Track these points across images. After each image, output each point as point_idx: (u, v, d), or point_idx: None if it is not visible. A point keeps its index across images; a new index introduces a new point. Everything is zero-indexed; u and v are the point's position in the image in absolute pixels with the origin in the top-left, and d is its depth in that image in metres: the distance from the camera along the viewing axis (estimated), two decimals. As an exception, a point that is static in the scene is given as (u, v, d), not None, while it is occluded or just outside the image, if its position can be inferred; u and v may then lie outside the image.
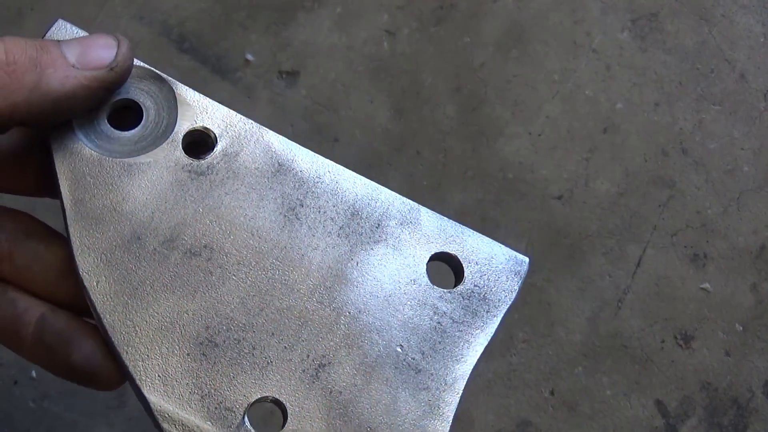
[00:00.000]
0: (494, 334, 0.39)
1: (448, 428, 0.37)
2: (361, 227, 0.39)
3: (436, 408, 0.37)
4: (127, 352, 0.35)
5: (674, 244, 0.76)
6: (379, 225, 0.39)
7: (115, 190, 0.37)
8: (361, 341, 0.37)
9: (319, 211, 0.39)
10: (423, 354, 0.37)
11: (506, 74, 0.83)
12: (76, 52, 0.35)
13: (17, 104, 0.33)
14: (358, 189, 0.40)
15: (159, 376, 0.35)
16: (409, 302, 0.38)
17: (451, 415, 0.37)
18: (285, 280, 0.37)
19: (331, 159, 0.40)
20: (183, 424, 0.35)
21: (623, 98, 0.80)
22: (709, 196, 0.76)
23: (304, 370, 0.36)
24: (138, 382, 0.35)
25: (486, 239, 0.41)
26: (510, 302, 0.40)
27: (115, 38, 0.37)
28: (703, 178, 0.77)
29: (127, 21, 0.92)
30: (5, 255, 0.38)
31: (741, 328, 0.73)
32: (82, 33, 0.39)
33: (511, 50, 0.84)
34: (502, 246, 0.40)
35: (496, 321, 0.39)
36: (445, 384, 0.37)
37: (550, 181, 0.79)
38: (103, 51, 0.35)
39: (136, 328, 0.35)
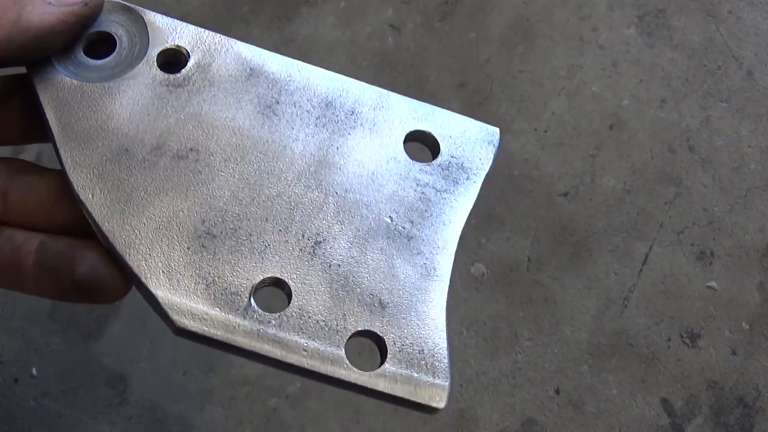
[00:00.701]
0: (475, 200, 0.42)
1: (447, 287, 0.39)
2: (336, 116, 0.41)
3: (432, 270, 0.39)
4: (129, 254, 0.36)
5: (681, 241, 0.75)
6: (353, 112, 0.41)
7: (99, 111, 0.39)
8: (352, 216, 0.39)
9: (295, 106, 0.41)
10: (412, 222, 0.40)
11: (512, 70, 0.83)
12: None
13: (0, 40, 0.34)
14: (329, 83, 0.42)
15: (163, 271, 0.36)
16: (392, 177, 0.41)
17: (447, 275, 0.39)
18: (271, 170, 0.40)
19: None
20: (192, 313, 0.36)
21: (630, 95, 0.80)
22: (716, 193, 0.76)
23: (301, 249, 0.38)
24: (144, 280, 0.36)
25: (457, 115, 0.43)
26: (487, 169, 0.42)
27: None
28: (710, 175, 0.77)
29: (128, 15, 0.92)
30: None
31: (747, 327, 0.72)
32: None
33: (517, 46, 0.83)
34: (473, 120, 0.43)
35: (476, 186, 0.42)
36: (438, 247, 0.39)
37: (556, 177, 0.78)
38: None
39: (135, 231, 0.37)
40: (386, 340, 0.37)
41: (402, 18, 0.86)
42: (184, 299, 0.36)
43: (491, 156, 0.42)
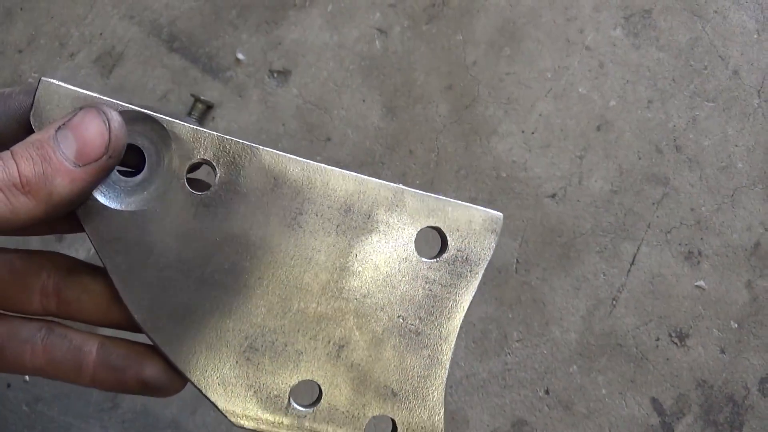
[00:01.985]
0: (477, 288, 0.45)
1: (447, 372, 0.45)
2: (355, 221, 0.44)
3: (436, 359, 0.45)
4: (189, 372, 0.43)
5: (669, 241, 0.75)
6: (369, 215, 0.44)
7: (141, 240, 0.42)
8: (369, 321, 0.44)
9: (317, 215, 0.44)
10: (420, 319, 0.44)
11: (499, 72, 0.83)
12: (74, 148, 0.37)
13: (36, 217, 0.37)
14: (348, 185, 0.44)
15: (219, 383, 0.43)
16: (403, 278, 0.44)
17: (447, 361, 0.45)
18: (299, 284, 0.44)
19: (323, 158, 0.45)
20: (246, 415, 0.44)
21: (617, 96, 0.80)
22: (703, 193, 0.76)
23: (328, 354, 0.44)
24: (204, 392, 0.43)
25: (464, 205, 0.45)
26: (488, 258, 0.45)
27: (103, 118, 0.38)
28: (697, 175, 0.77)
29: (117, 20, 0.92)
30: (51, 292, 0.43)
31: (736, 326, 0.73)
32: (66, 87, 0.41)
33: (503, 48, 0.83)
34: (479, 208, 0.45)
35: (478, 277, 0.45)
36: (441, 338, 0.44)
37: (544, 179, 0.78)
38: (97, 139, 0.38)
39: (191, 350, 0.43)
40: (397, 422, 0.44)
41: (389, 21, 0.86)
42: (238, 406, 0.44)
43: (493, 244, 0.45)
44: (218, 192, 0.43)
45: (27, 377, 0.81)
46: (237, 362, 0.44)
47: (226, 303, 0.43)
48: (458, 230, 0.45)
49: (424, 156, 0.81)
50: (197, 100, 0.84)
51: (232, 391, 0.44)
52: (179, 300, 0.43)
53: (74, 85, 0.41)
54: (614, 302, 0.74)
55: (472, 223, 0.45)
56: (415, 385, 0.44)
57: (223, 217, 0.43)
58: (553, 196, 0.78)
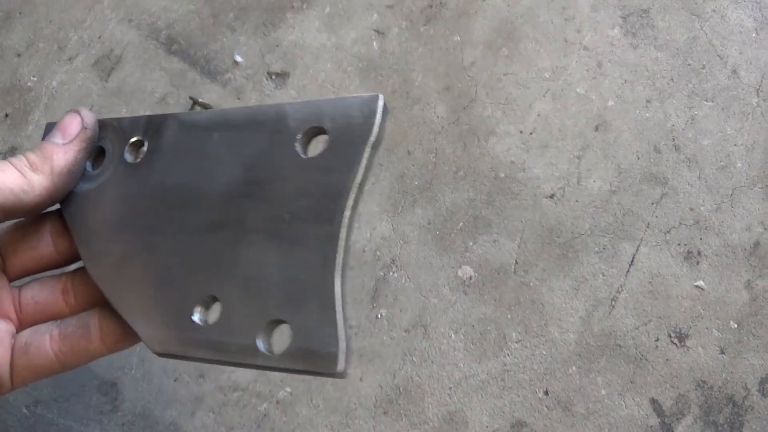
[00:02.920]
0: (365, 172, 0.43)
1: (339, 267, 0.42)
2: (246, 140, 0.47)
3: (324, 252, 0.42)
4: (123, 311, 0.47)
5: (668, 241, 0.75)
6: (257, 131, 0.47)
7: (97, 209, 0.50)
8: (261, 226, 0.45)
9: (215, 146, 0.48)
10: (306, 212, 0.43)
11: (497, 73, 0.83)
12: (59, 134, 0.51)
13: (47, 187, 0.49)
14: (239, 114, 0.48)
15: (141, 314, 0.47)
16: (291, 179, 0.44)
17: (338, 258, 0.42)
18: (200, 208, 0.47)
19: None
20: (161, 340, 0.46)
21: (615, 95, 0.80)
22: (702, 193, 0.76)
23: (224, 267, 0.45)
24: (132, 325, 0.47)
25: (340, 98, 0.45)
26: (370, 137, 0.43)
27: (75, 112, 0.52)
28: (696, 174, 0.77)
29: (115, 24, 0.92)
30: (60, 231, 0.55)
31: (736, 326, 0.72)
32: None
33: (501, 48, 0.83)
34: (355, 96, 0.44)
35: (361, 157, 0.42)
36: (327, 230, 0.42)
37: (542, 179, 0.78)
38: (72, 121, 0.51)
39: (124, 291, 0.48)
40: (291, 325, 0.42)
41: (387, 22, 0.86)
42: (154, 331, 0.46)
43: (373, 122, 0.43)
44: (146, 158, 0.50)
45: (26, 380, 0.81)
46: (155, 292, 0.47)
47: (147, 243, 0.48)
48: (336, 122, 0.44)
49: (423, 157, 0.81)
50: (196, 102, 0.84)
51: (150, 319, 0.46)
52: (117, 250, 0.49)
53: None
54: (613, 303, 0.74)
55: (350, 110, 0.44)
56: (309, 285, 0.42)
57: (148, 175, 0.49)
58: (552, 196, 0.78)
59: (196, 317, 0.45)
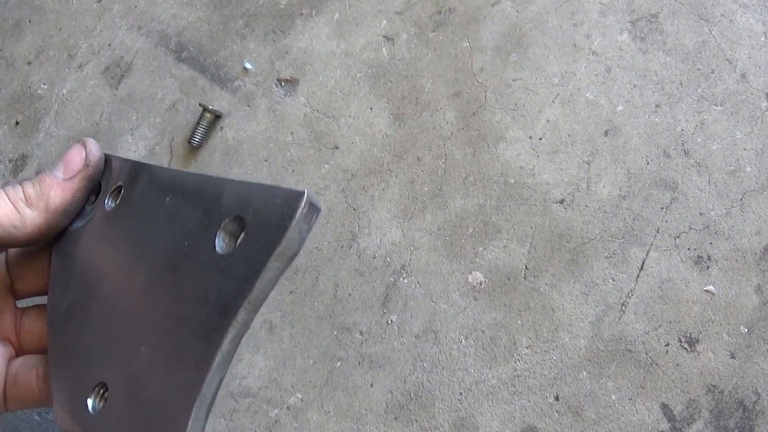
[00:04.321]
0: (266, 285, 0.36)
1: (201, 397, 0.36)
2: (186, 215, 0.42)
3: (189, 382, 0.36)
4: (51, 370, 0.45)
5: (677, 246, 0.75)
6: (195, 207, 0.42)
7: (68, 254, 0.48)
8: (161, 324, 0.40)
9: (163, 213, 0.44)
10: (195, 324, 0.38)
11: (506, 78, 0.83)
12: (61, 168, 0.48)
13: (40, 225, 0.47)
14: (191, 181, 0.44)
15: (58, 387, 0.43)
16: (201, 275, 0.39)
17: (200, 384, 0.36)
18: (126, 285, 0.44)
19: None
20: (64, 420, 0.42)
21: (624, 100, 0.80)
22: (712, 197, 0.76)
23: (123, 359, 0.41)
24: (53, 391, 0.44)
25: (272, 186, 0.38)
26: (278, 246, 0.36)
27: (82, 144, 0.49)
28: (705, 179, 0.77)
29: (125, 31, 0.92)
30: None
31: (746, 330, 0.72)
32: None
33: (510, 54, 0.84)
34: (284, 188, 0.37)
35: (262, 271, 0.36)
36: (204, 349, 0.37)
37: (552, 185, 0.78)
38: (77, 156, 0.49)
39: (57, 351, 0.45)
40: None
41: (396, 29, 0.86)
42: (59, 405, 0.43)
43: (285, 228, 0.36)
44: (116, 208, 0.47)
45: (39, 387, 0.81)
46: (70, 361, 0.44)
47: (83, 306, 0.45)
48: (257, 214, 0.37)
49: (432, 163, 0.81)
50: (205, 110, 0.85)
51: (59, 390, 0.43)
52: (65, 303, 0.46)
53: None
54: (623, 308, 0.74)
55: (271, 204, 0.37)
56: (174, 411, 0.37)
57: (109, 229, 0.47)
58: (562, 201, 0.78)
59: (89, 403, 0.41)
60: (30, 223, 0.46)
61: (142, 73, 0.90)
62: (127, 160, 0.49)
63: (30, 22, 0.95)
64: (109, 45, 0.92)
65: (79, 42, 0.93)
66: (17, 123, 0.89)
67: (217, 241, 0.39)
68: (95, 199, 0.50)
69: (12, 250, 0.53)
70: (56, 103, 0.89)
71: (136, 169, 0.48)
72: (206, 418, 0.37)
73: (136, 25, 0.92)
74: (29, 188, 0.47)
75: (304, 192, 0.35)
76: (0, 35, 0.95)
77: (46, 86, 0.91)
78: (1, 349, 0.51)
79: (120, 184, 0.48)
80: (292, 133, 0.83)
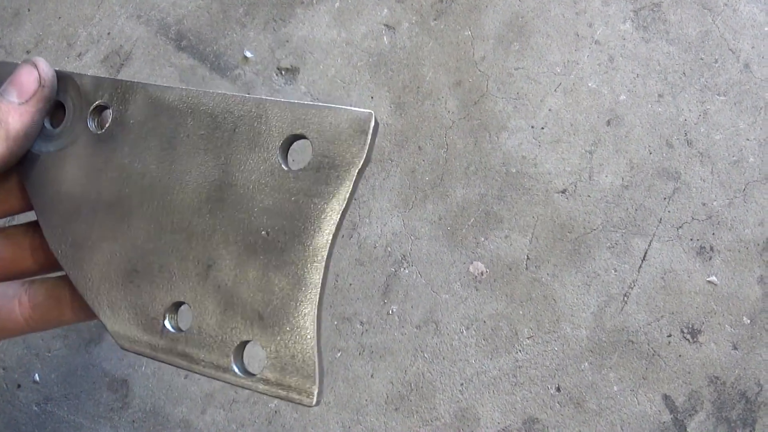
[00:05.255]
0: (350, 198, 0.40)
1: (317, 295, 0.40)
2: (222, 136, 0.43)
3: (304, 280, 0.40)
4: (87, 295, 0.45)
5: (680, 237, 0.75)
6: (235, 129, 0.43)
7: (57, 178, 0.47)
8: (235, 238, 0.42)
9: (188, 136, 0.44)
10: (285, 234, 0.41)
11: (508, 67, 0.82)
12: (14, 92, 0.46)
13: (2, 153, 0.45)
14: (215, 102, 0.44)
15: (108, 306, 0.45)
16: (269, 190, 0.42)
17: (318, 283, 0.40)
18: (171, 205, 0.44)
19: None
20: (128, 338, 0.44)
21: (627, 90, 0.80)
22: (715, 188, 0.75)
23: (197, 274, 0.43)
24: (98, 314, 0.45)
25: (332, 107, 0.41)
26: (359, 162, 0.40)
27: (32, 64, 0.47)
28: (708, 169, 0.76)
29: (124, 20, 0.92)
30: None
31: (748, 321, 0.72)
32: (12, 63, 0.49)
33: (512, 43, 0.83)
34: (347, 108, 0.41)
35: (348, 184, 0.40)
36: (308, 256, 0.40)
37: (554, 174, 0.78)
38: (29, 77, 0.47)
39: (88, 275, 0.45)
40: (266, 351, 0.41)
41: (397, 17, 0.86)
42: (123, 327, 0.44)
43: (364, 147, 0.40)
44: (111, 128, 0.46)
45: (37, 377, 0.81)
46: (122, 285, 0.45)
47: (113, 229, 0.45)
48: (323, 135, 0.41)
49: (433, 152, 0.80)
50: (205, 98, 0.84)
51: (118, 314, 0.44)
52: (80, 229, 0.46)
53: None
54: (625, 298, 0.74)
55: (340, 126, 0.40)
56: (283, 308, 0.41)
57: (113, 150, 0.46)
58: (564, 191, 0.77)
59: (167, 323, 0.44)
60: None
61: (142, 61, 0.89)
62: (100, 78, 0.48)
63: (29, 10, 0.95)
64: (109, 34, 0.92)
65: (78, 30, 0.92)
66: (16, 112, 0.88)
67: (279, 159, 0.42)
68: (62, 118, 0.48)
69: None
70: (55, 92, 0.89)
71: (122, 87, 0.47)
72: (319, 321, 0.41)
73: (135, 14, 0.92)
74: None
75: (371, 113, 0.40)
76: (-2, 24, 0.95)
77: (44, 75, 0.90)
78: None
79: (100, 103, 0.47)
80: (292, 123, 0.83)
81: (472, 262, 0.77)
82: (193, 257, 0.43)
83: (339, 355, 0.76)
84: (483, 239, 0.77)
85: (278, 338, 0.41)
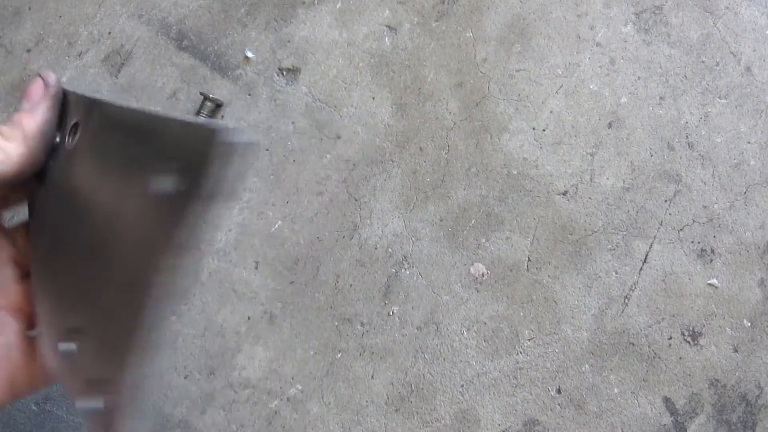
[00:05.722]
0: (196, 218, 0.33)
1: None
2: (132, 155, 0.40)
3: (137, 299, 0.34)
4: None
5: (681, 239, 0.75)
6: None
7: (39, 195, 0.46)
8: (115, 265, 0.38)
9: (115, 153, 0.43)
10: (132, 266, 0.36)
11: (509, 69, 0.82)
12: (25, 102, 0.48)
13: (23, 153, 0.46)
14: (142, 120, 0.40)
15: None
16: (139, 215, 0.36)
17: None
18: (79, 217, 0.43)
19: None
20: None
21: (628, 92, 0.80)
22: (716, 190, 0.76)
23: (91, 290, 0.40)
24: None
25: (182, 119, 0.35)
26: (199, 182, 0.32)
27: (37, 75, 0.48)
28: (709, 172, 0.76)
29: (125, 19, 0.92)
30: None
31: (749, 324, 0.72)
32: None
33: (514, 45, 0.83)
34: (194, 124, 0.34)
35: (183, 214, 0.33)
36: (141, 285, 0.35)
37: (555, 176, 0.78)
38: (36, 86, 0.48)
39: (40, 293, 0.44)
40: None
41: (399, 18, 0.86)
42: (46, 355, 0.41)
43: (204, 168, 0.32)
44: (75, 147, 0.45)
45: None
46: (48, 311, 0.43)
47: (53, 249, 0.45)
48: (183, 157, 0.34)
49: (435, 153, 0.80)
50: (206, 98, 0.84)
51: (44, 339, 0.42)
52: (41, 245, 0.45)
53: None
54: (626, 300, 0.74)
55: (197, 141, 0.34)
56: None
57: (68, 168, 0.45)
58: (565, 193, 0.77)
59: (62, 347, 0.39)
60: (14, 154, 0.46)
61: (143, 61, 0.89)
62: (81, 95, 0.46)
63: (30, 9, 0.94)
64: (110, 33, 0.91)
65: (79, 30, 0.92)
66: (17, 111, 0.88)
67: (150, 182, 0.36)
68: (60, 137, 0.48)
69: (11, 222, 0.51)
70: (55, 91, 0.88)
71: (90, 104, 0.45)
72: (155, 361, 0.32)
73: (136, 13, 0.92)
74: (2, 127, 0.47)
75: (214, 130, 0.31)
76: (0, 23, 0.95)
77: (45, 74, 0.90)
78: (10, 323, 0.50)
79: (76, 120, 0.46)
80: (293, 123, 0.83)
81: (473, 264, 0.77)
82: (91, 282, 0.40)
83: (339, 355, 0.76)
84: (484, 241, 0.77)
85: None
